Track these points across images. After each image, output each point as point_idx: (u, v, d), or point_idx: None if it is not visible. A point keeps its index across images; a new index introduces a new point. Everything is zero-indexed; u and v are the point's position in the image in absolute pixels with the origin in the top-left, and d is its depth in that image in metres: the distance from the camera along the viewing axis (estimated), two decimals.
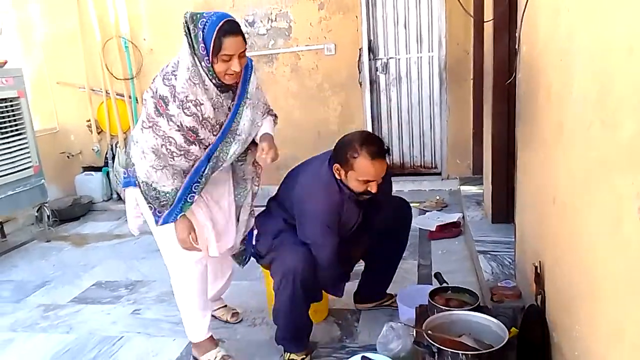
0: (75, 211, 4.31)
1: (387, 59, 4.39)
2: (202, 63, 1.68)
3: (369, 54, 4.34)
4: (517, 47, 1.92)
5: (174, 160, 1.76)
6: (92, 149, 4.73)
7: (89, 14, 4.51)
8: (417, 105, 4.43)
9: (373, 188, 1.79)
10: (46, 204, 3.75)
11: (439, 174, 4.46)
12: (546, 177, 1.57)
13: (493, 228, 2.88)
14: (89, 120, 4.70)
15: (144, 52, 4.59)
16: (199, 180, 1.83)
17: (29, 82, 3.68)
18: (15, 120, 3.44)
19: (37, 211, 3.78)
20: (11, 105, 3.41)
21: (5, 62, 3.44)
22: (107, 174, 4.69)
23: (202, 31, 1.64)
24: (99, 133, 4.74)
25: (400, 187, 4.32)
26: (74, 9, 4.52)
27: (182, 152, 1.76)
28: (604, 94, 1.02)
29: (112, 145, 4.64)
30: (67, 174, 4.60)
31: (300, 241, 1.90)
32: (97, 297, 2.77)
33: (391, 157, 4.60)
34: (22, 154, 3.48)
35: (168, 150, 1.74)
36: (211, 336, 2.07)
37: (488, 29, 2.82)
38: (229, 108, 1.83)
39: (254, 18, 4.46)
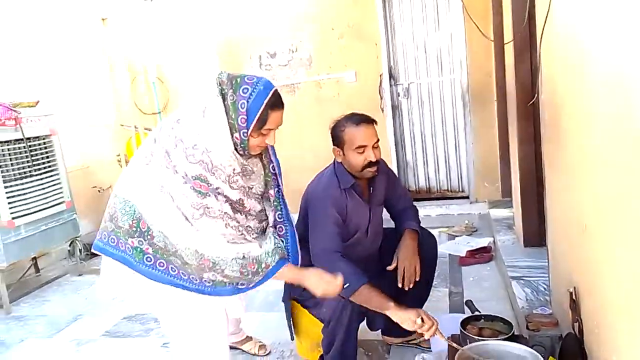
0: None
1: (409, 84, 4.40)
2: (237, 132, 1.50)
3: (390, 80, 4.37)
4: (538, 66, 1.90)
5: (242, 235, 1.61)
6: None
7: (116, 54, 4.69)
8: (440, 128, 4.40)
9: (369, 155, 1.86)
10: (78, 238, 3.83)
11: (467, 197, 4.39)
12: (574, 201, 1.52)
13: (525, 252, 2.80)
14: (118, 155, 4.83)
15: (170, 88, 4.73)
16: None
17: (60, 120, 3.81)
18: (47, 158, 3.55)
19: (70, 245, 3.86)
20: (44, 143, 3.53)
21: (38, 102, 3.59)
22: None
23: (247, 101, 1.47)
24: None
25: (428, 212, 4.26)
26: (103, 50, 4.72)
27: (235, 224, 1.59)
28: (626, 118, 1.00)
29: None
30: (98, 208, 4.65)
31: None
32: (128, 330, 2.78)
33: (417, 181, 4.57)
34: (54, 190, 3.58)
35: (228, 227, 1.55)
36: None
37: (509, 50, 2.81)
38: (264, 169, 1.73)
39: (275, 50, 4.55)
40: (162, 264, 1.58)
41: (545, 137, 1.96)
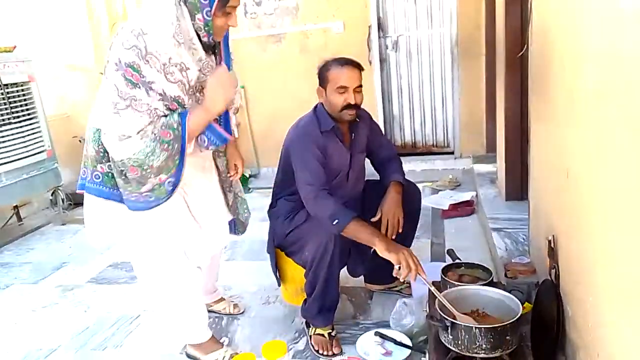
0: None
1: (397, 37, 4.33)
2: (199, 15, 1.42)
3: (379, 32, 4.29)
4: (529, 17, 1.88)
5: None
6: None
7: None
8: (428, 83, 4.37)
9: (350, 97, 1.88)
10: (60, 188, 3.80)
11: (452, 152, 4.43)
12: (559, 149, 1.54)
13: (507, 205, 2.85)
14: None
15: None
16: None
17: (39, 67, 3.69)
18: (26, 105, 3.46)
19: (52, 195, 3.83)
20: (22, 90, 3.43)
21: (15, 47, 3.45)
22: None
23: None
24: None
25: (413, 166, 4.30)
26: None
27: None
28: (616, 61, 1.00)
29: None
30: (80, 157, 4.61)
31: None
32: (114, 277, 2.81)
33: (402, 135, 4.57)
34: (35, 139, 3.51)
35: (155, 127, 1.46)
36: (213, 335, 1.93)
37: (499, 2, 2.76)
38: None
39: None
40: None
41: (532, 89, 1.96)
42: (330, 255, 1.82)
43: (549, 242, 1.64)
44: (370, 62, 4.29)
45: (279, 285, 2.19)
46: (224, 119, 1.72)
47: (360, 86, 1.92)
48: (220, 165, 1.90)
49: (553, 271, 1.61)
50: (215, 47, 1.60)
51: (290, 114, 4.57)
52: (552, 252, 1.63)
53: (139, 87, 1.38)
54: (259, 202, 3.86)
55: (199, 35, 1.46)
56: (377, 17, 4.23)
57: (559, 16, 1.52)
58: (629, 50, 0.92)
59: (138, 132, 1.42)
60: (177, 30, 1.39)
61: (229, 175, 1.93)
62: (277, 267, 2.13)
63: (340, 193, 1.99)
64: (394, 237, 1.93)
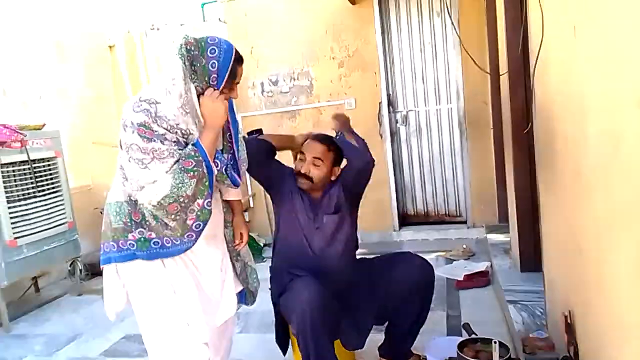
0: None
1: (407, 112, 4.51)
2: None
3: (389, 107, 4.48)
4: (532, 96, 1.99)
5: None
6: None
7: (122, 76, 4.81)
8: (438, 154, 4.49)
9: (303, 165, 2.04)
10: (79, 258, 3.86)
11: (465, 222, 4.45)
12: (570, 224, 1.58)
13: (522, 277, 2.83)
14: None
15: None
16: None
17: (65, 141, 3.88)
18: (52, 179, 3.61)
19: (70, 265, 3.88)
20: (49, 165, 3.59)
21: (44, 125, 3.66)
22: None
23: (217, 60, 1.57)
24: None
25: (426, 235, 4.32)
26: (109, 72, 4.83)
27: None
28: (617, 142, 1.06)
29: None
30: (99, 228, 4.71)
31: (309, 275, 1.91)
32: (127, 350, 2.79)
33: (415, 205, 4.63)
34: (58, 211, 3.62)
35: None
36: None
37: (504, 81, 2.90)
38: (224, 134, 1.77)
39: (277, 77, 4.67)
40: (167, 241, 1.64)
41: (539, 163, 2.03)
42: (310, 326, 1.77)
43: (566, 317, 1.64)
44: (381, 136, 4.44)
45: (284, 354, 2.16)
46: (235, 168, 1.80)
47: (319, 159, 2.02)
48: (227, 235, 1.93)
49: (571, 347, 1.59)
50: None
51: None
52: (570, 327, 1.62)
53: (155, 140, 1.51)
54: None
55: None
56: (387, 94, 4.44)
57: (559, 96, 1.62)
58: (629, 131, 0.99)
59: (166, 172, 1.54)
60: (184, 102, 1.55)
61: (234, 244, 1.95)
62: (283, 334, 2.12)
63: (309, 265, 2.01)
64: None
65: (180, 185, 1.54)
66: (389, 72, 4.49)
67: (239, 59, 1.64)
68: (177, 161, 1.55)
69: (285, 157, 2.23)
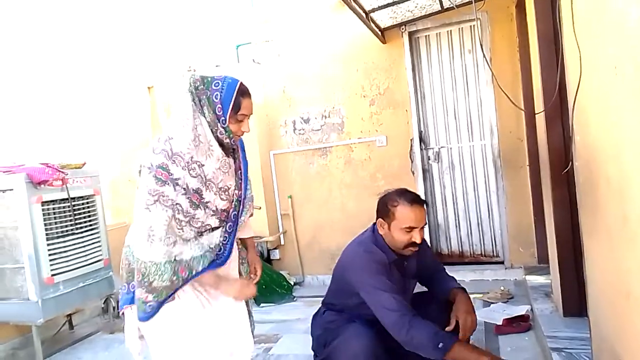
0: None
1: (439, 148, 4.47)
2: (217, 124, 1.66)
3: (420, 144, 4.45)
4: (571, 136, 1.93)
5: (182, 231, 1.67)
6: None
7: (160, 117, 4.96)
8: (472, 192, 4.40)
9: (416, 236, 1.88)
10: (112, 296, 3.89)
11: (502, 262, 4.30)
12: (616, 270, 1.50)
13: (565, 322, 2.69)
14: None
15: None
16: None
17: (103, 180, 4.00)
18: (90, 217, 3.69)
19: (104, 303, 3.92)
20: (87, 203, 3.69)
21: (84, 164, 3.79)
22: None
23: (220, 92, 1.66)
24: None
25: (461, 276, 4.18)
26: (147, 112, 5.01)
27: (188, 219, 1.67)
28: None
29: None
30: None
31: (358, 323, 1.86)
32: None
33: (449, 245, 4.52)
34: (94, 248, 3.69)
35: (177, 221, 1.64)
36: None
37: (540, 119, 2.85)
38: (236, 172, 1.81)
39: (308, 116, 4.73)
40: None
41: (581, 204, 1.95)
42: None
43: None
44: (413, 173, 4.40)
45: None
46: (233, 227, 1.81)
47: (426, 224, 1.95)
48: (243, 272, 1.95)
49: None
50: (235, 153, 1.82)
51: (334, 223, 4.69)
52: None
53: (168, 184, 1.59)
54: (303, 312, 3.82)
55: (219, 140, 1.70)
56: (418, 130, 4.42)
57: (599, 137, 1.56)
58: None
59: (165, 243, 1.58)
60: (196, 135, 1.65)
61: (250, 278, 1.96)
62: None
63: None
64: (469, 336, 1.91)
65: (159, 272, 1.58)
66: (420, 108, 4.49)
67: (243, 92, 1.70)
68: (181, 247, 1.62)
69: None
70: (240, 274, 1.93)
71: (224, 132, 1.68)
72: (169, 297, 1.64)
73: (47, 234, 3.32)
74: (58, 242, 3.40)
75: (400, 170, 4.42)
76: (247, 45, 4.94)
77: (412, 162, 4.42)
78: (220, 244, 1.76)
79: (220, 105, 1.66)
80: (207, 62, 4.94)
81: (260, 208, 4.59)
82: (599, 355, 1.94)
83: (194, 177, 1.65)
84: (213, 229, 1.75)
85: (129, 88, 4.99)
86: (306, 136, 4.76)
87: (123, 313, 1.81)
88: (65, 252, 3.44)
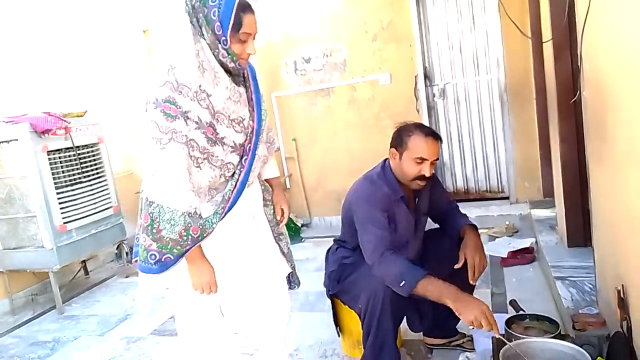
0: None
1: (444, 85, 4.38)
2: (218, 45, 1.49)
3: (425, 81, 4.36)
4: (579, 64, 1.88)
5: (200, 169, 1.53)
6: None
7: (156, 63, 4.87)
8: (478, 128, 4.36)
9: (425, 169, 1.85)
10: (125, 241, 3.99)
11: (507, 198, 4.33)
12: (622, 196, 1.50)
13: (570, 252, 2.75)
14: None
15: None
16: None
17: (106, 128, 3.98)
18: (96, 165, 3.72)
19: (117, 248, 4.02)
20: (92, 151, 3.70)
21: (86, 112, 3.76)
22: None
23: (218, 8, 1.46)
24: None
25: (467, 212, 4.10)
26: (145, 57, 4.91)
27: (206, 156, 1.53)
28: None
29: None
30: None
31: None
32: (175, 329, 2.86)
33: (454, 182, 4.53)
34: (103, 196, 3.74)
35: (193, 158, 1.50)
36: None
37: (548, 48, 2.77)
38: (249, 102, 1.65)
39: (309, 55, 4.62)
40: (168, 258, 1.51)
41: (588, 134, 1.93)
42: (380, 308, 1.78)
43: (618, 292, 1.57)
44: (418, 111, 4.34)
45: (339, 336, 2.18)
46: (247, 167, 1.66)
47: (437, 159, 1.91)
48: (268, 214, 1.83)
49: (624, 323, 1.53)
50: (245, 81, 1.66)
51: (339, 164, 4.70)
52: (622, 302, 1.56)
53: (178, 118, 1.45)
54: (312, 252, 3.91)
55: (224, 65, 1.53)
56: (423, 67, 4.32)
57: (611, 63, 1.52)
58: None
59: (187, 188, 1.45)
60: (200, 62, 1.48)
61: (277, 220, 1.86)
62: (336, 317, 2.13)
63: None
64: (477, 280, 1.92)
65: (170, 220, 1.45)
66: (425, 43, 4.36)
67: (244, 7, 1.50)
68: (200, 199, 1.48)
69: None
70: (266, 216, 1.82)
71: (226, 55, 1.50)
72: (174, 262, 1.50)
73: (55, 183, 3.36)
74: (67, 191, 3.44)
75: (405, 108, 4.35)
76: None
77: (417, 99, 4.35)
78: (234, 182, 1.61)
79: (219, 23, 1.47)
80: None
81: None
82: (602, 281, 1.98)
83: (205, 108, 1.50)
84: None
85: (124, 32, 4.86)
86: (308, 77, 4.67)
87: (136, 261, 1.64)
88: (74, 200, 3.50)
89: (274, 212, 1.85)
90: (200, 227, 1.50)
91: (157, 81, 1.47)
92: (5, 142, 3.28)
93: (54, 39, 4.15)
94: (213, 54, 1.51)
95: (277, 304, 1.84)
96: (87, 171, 3.63)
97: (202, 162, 1.52)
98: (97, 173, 3.73)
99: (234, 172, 1.62)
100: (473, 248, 1.94)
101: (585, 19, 1.68)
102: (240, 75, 1.62)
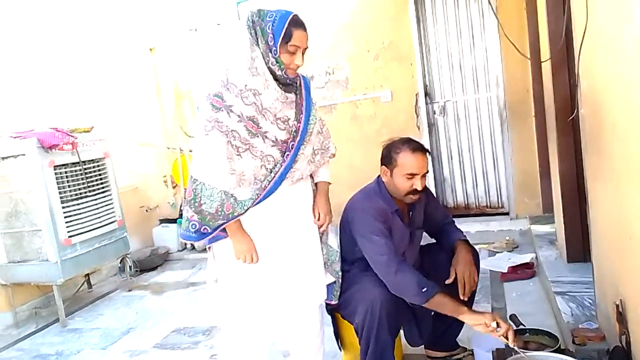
0: (154, 261, 4.58)
1: (445, 102, 4.45)
2: (269, 54, 1.68)
3: (426, 98, 4.43)
4: (577, 83, 1.93)
5: (241, 157, 1.71)
6: (168, 202, 5.06)
7: (164, 78, 4.96)
8: (478, 145, 4.41)
9: (417, 183, 1.90)
10: (128, 255, 4.02)
11: (507, 213, 4.36)
12: (619, 211, 1.54)
13: (569, 268, 2.77)
14: (165, 176, 5.06)
15: None
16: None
17: (112, 143, 4.04)
18: (101, 179, 3.77)
19: (120, 262, 4.05)
20: (98, 166, 3.75)
21: (92, 128, 3.83)
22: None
23: (273, 23, 1.68)
24: (174, 187, 5.08)
25: (467, 228, 4.22)
26: (151, 74, 5.00)
27: (247, 147, 1.71)
28: None
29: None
30: (146, 226, 4.93)
31: (373, 273, 1.89)
32: (177, 342, 2.90)
33: (455, 197, 4.57)
34: (107, 210, 3.78)
35: (234, 147, 1.69)
36: None
37: (546, 67, 2.84)
38: (297, 106, 1.81)
39: (312, 73, 4.69)
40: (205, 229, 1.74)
41: (587, 150, 1.98)
42: (377, 320, 1.80)
43: (617, 306, 1.60)
44: (418, 128, 4.40)
45: (340, 350, 2.20)
46: (288, 162, 1.79)
47: (427, 172, 1.95)
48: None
49: (623, 337, 1.56)
50: (296, 89, 1.83)
51: (341, 179, 4.70)
52: (621, 317, 1.58)
53: (222, 110, 1.67)
54: None
55: (273, 72, 1.72)
56: (423, 85, 4.39)
57: (606, 81, 1.57)
58: None
59: (225, 169, 1.67)
60: (252, 65, 1.69)
61: (317, 221, 1.94)
62: (337, 331, 2.15)
63: None
64: (469, 296, 1.94)
65: (210, 196, 1.68)
66: (425, 62, 4.44)
67: (296, 22, 1.70)
68: (238, 181, 1.70)
69: None
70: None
71: (275, 63, 1.69)
72: (212, 232, 1.73)
73: (61, 197, 3.40)
74: (72, 205, 3.49)
75: (406, 125, 4.41)
76: (247, 1, 4.85)
77: (417, 116, 4.42)
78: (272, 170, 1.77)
79: (271, 35, 1.68)
80: (208, 21, 4.88)
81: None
82: (601, 296, 2.01)
83: (248, 104, 1.69)
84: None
85: (131, 50, 4.96)
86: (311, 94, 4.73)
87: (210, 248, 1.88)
88: (79, 214, 3.54)
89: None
90: (232, 206, 1.70)
91: (211, 78, 1.72)
92: (12, 156, 3.33)
93: (61, 55, 4.23)
94: (264, 61, 1.70)
95: (310, 301, 1.92)
96: (93, 185, 3.68)
97: (243, 152, 1.71)
98: (103, 187, 3.77)
99: (275, 165, 1.77)
100: (463, 263, 1.97)
101: (582, 39, 1.74)
102: (292, 84, 1.79)
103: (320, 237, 1.96)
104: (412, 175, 1.90)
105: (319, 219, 1.93)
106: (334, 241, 2.02)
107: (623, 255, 1.56)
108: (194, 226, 1.71)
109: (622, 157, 1.46)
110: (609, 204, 1.69)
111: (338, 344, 2.18)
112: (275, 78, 1.72)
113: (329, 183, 2.02)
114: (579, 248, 2.75)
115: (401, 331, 2.13)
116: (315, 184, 1.98)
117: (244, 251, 1.76)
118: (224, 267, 1.86)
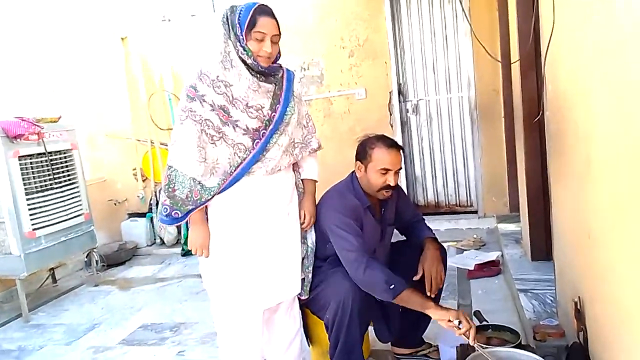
0: (121, 256, 4.50)
1: (417, 101, 4.50)
2: (237, 44, 1.73)
3: (399, 97, 4.47)
4: (543, 85, 1.98)
5: (215, 145, 1.76)
6: (137, 196, 4.96)
7: (135, 68, 4.86)
8: (449, 144, 4.48)
9: (390, 179, 1.94)
10: (95, 249, 3.93)
11: (475, 212, 4.45)
12: (579, 211, 1.59)
13: (533, 266, 2.85)
14: (134, 169, 4.96)
15: None
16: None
17: (80, 134, 3.94)
18: (68, 171, 3.67)
19: (87, 256, 3.96)
20: (65, 157, 3.65)
21: (60, 118, 3.72)
22: (151, 219, 4.89)
23: (240, 13, 1.73)
24: (143, 181, 4.99)
25: (437, 226, 4.30)
26: (122, 64, 4.89)
27: (221, 135, 1.76)
28: (628, 129, 1.07)
29: (155, 192, 4.85)
30: (114, 220, 4.83)
31: (345, 270, 1.89)
32: (144, 339, 2.86)
33: (425, 196, 4.63)
34: (74, 203, 3.69)
35: (208, 135, 1.75)
36: None
37: (515, 69, 2.89)
38: (274, 96, 1.84)
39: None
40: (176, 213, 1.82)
41: (550, 151, 2.03)
42: (348, 316, 1.82)
43: (575, 304, 1.65)
44: (391, 126, 4.44)
45: (309, 345, 2.20)
46: (257, 150, 1.83)
47: (400, 168, 1.99)
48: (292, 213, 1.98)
49: (581, 334, 1.61)
50: (276, 80, 1.86)
51: None
52: (579, 314, 1.63)
53: (195, 100, 1.74)
54: None
55: (244, 61, 1.75)
56: (397, 83, 4.43)
57: (570, 85, 1.62)
58: (637, 119, 0.99)
59: (195, 158, 1.74)
60: (225, 59, 1.76)
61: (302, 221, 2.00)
62: (306, 327, 2.16)
63: None
64: (436, 293, 1.97)
65: (182, 182, 1.77)
66: (400, 61, 4.48)
67: (261, 10, 1.74)
68: (206, 169, 1.77)
69: None
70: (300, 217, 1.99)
71: (243, 52, 1.73)
72: (183, 218, 1.81)
73: (25, 189, 3.30)
74: (37, 197, 3.39)
75: (379, 122, 4.44)
76: None
77: (390, 114, 4.46)
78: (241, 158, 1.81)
79: (238, 25, 1.73)
80: (182, 11, 4.80)
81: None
82: (561, 293, 2.07)
83: (219, 94, 1.75)
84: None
85: (102, 39, 4.83)
86: None
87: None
88: (45, 206, 3.44)
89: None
90: (200, 192, 1.77)
91: (194, 69, 1.79)
92: None
93: (29, 43, 4.10)
94: (235, 51, 1.75)
95: (285, 294, 1.96)
96: (59, 177, 3.59)
97: (217, 140, 1.77)
98: (69, 179, 3.68)
99: (245, 153, 1.81)
100: (431, 261, 2.00)
101: (549, 42, 1.78)
102: (271, 75, 1.83)
103: (305, 237, 2.02)
104: (386, 170, 1.93)
105: (304, 221, 1.98)
106: (310, 238, 2.04)
107: (582, 253, 1.61)
108: (165, 210, 1.79)
109: (582, 159, 1.50)
110: (570, 203, 1.74)
111: (307, 340, 2.19)
112: (250, 68, 1.76)
113: (316, 181, 2.08)
114: (543, 247, 2.82)
115: (370, 327, 2.15)
116: (302, 181, 2.05)
117: (197, 244, 1.84)
118: (208, 275, 1.92)
